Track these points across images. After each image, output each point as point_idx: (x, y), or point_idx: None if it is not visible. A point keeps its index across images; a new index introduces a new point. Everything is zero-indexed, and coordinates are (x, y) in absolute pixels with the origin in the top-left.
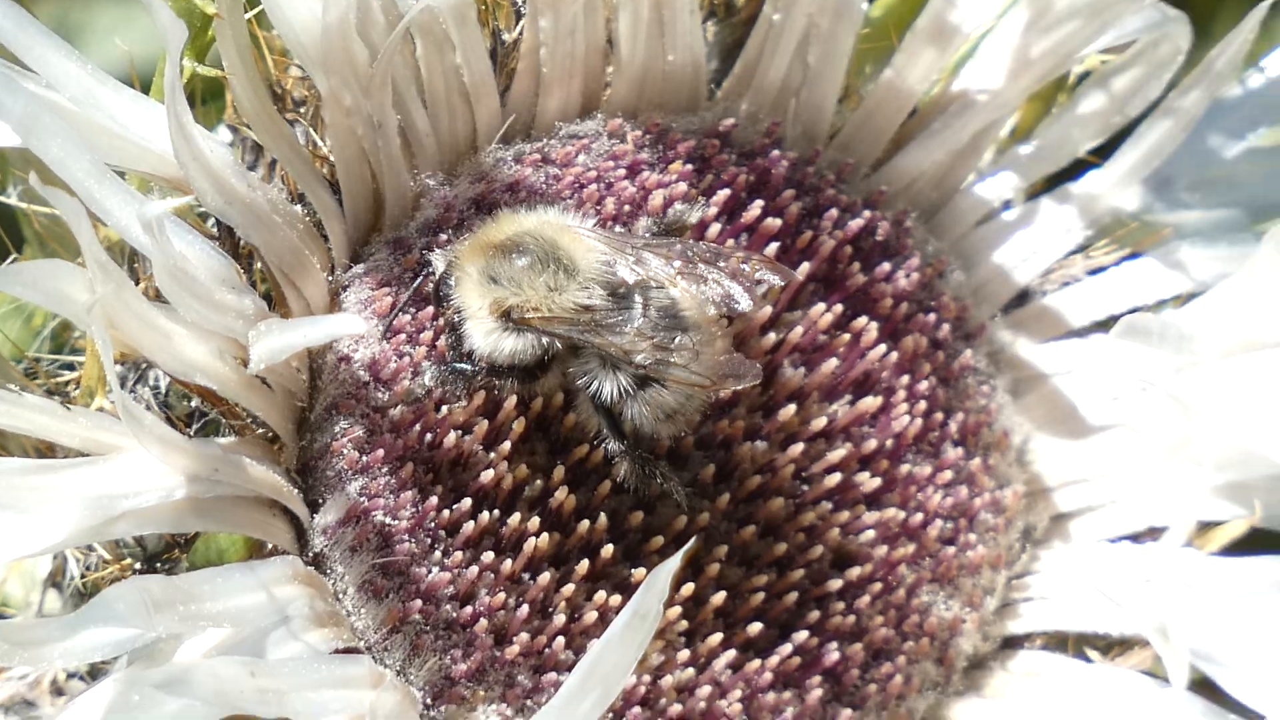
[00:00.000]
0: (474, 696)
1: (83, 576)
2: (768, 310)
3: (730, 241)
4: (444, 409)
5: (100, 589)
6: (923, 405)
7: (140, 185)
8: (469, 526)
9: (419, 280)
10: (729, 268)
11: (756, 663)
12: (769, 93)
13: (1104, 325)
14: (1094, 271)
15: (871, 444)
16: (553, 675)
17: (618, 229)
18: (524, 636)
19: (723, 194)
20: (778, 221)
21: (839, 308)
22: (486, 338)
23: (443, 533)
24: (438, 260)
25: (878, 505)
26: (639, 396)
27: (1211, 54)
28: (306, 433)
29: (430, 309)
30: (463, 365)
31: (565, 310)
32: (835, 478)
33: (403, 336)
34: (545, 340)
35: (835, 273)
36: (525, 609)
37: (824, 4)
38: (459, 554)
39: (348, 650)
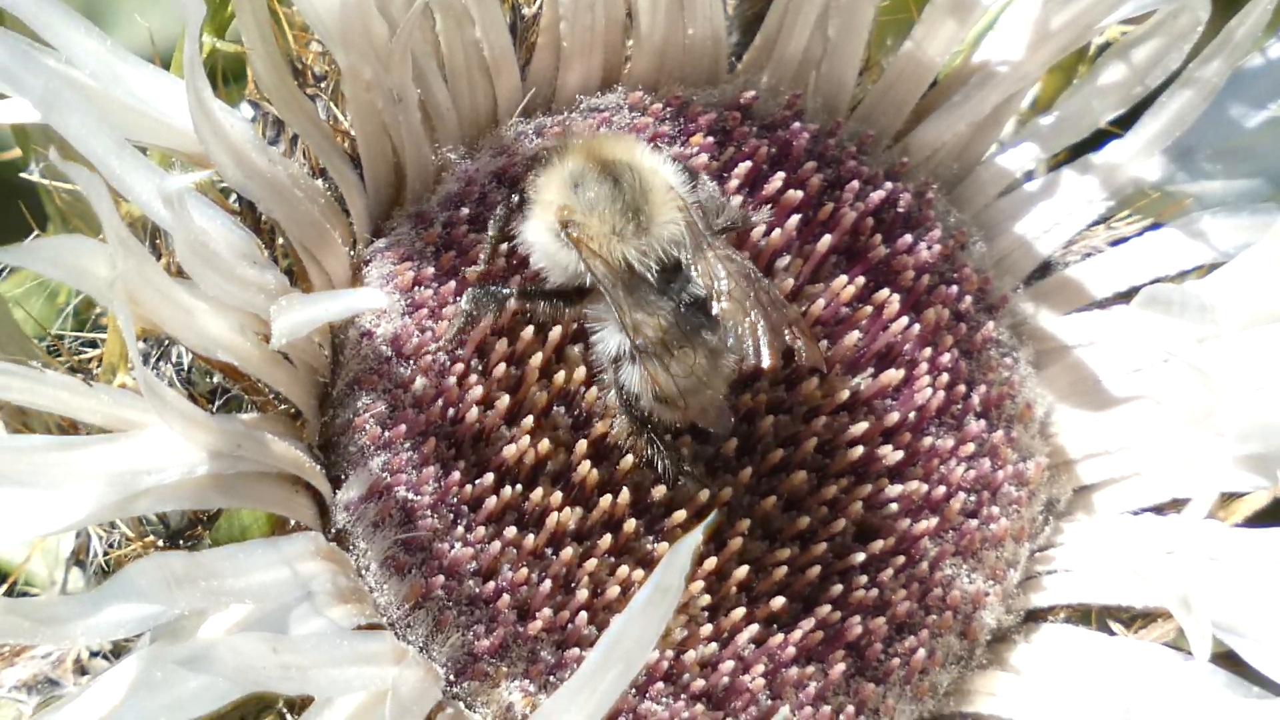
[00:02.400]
0: (497, 672)
1: (106, 554)
2: (789, 283)
3: (756, 214)
4: (469, 388)
5: (123, 567)
6: (945, 378)
7: (161, 161)
8: (491, 502)
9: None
10: (774, 318)
11: (780, 637)
12: (789, 65)
13: (1126, 296)
14: (1116, 242)
15: (894, 417)
16: (575, 650)
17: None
18: (547, 612)
19: (744, 166)
20: (799, 194)
21: (861, 280)
22: (536, 232)
23: (465, 508)
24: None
25: (900, 479)
26: (635, 366)
27: (1231, 24)
28: (329, 408)
29: (452, 284)
30: (497, 289)
31: (613, 258)
32: (858, 451)
33: (425, 311)
34: (581, 268)
35: (857, 245)
36: (548, 584)
37: None
38: (481, 529)
39: (370, 626)
